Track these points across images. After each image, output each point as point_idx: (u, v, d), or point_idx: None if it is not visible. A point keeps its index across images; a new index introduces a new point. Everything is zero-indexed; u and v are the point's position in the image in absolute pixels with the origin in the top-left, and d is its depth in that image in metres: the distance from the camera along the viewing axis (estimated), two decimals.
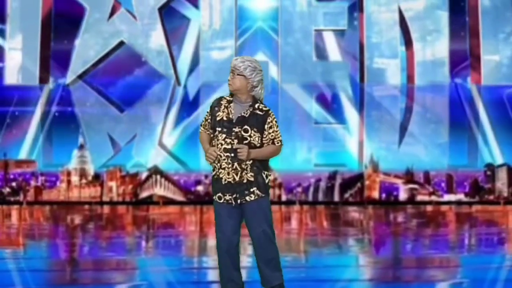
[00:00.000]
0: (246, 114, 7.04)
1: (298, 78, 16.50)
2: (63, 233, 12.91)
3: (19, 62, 16.61)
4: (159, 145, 16.58)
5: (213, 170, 7.03)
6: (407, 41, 16.66)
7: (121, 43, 16.58)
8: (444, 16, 16.65)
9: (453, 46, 16.65)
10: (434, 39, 16.67)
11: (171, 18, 16.65)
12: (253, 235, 7.07)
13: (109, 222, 14.46)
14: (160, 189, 16.54)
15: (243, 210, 7.05)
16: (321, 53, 16.66)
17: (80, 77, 16.54)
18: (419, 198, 16.53)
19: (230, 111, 7.02)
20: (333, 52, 16.73)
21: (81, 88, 16.57)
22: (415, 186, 16.54)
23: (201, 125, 7.18)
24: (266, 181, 7.02)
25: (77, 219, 14.65)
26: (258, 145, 7.01)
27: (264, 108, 7.09)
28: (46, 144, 16.55)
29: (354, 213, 15.62)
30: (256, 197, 7.00)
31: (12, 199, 16.57)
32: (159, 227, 13.81)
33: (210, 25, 16.66)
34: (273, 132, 7.07)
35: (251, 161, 7.01)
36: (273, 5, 16.73)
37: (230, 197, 6.99)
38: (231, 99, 7.08)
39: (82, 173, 16.56)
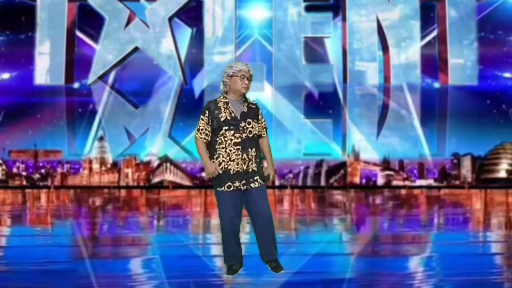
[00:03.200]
0: (245, 109, 7.10)
1: (290, 79, 16.47)
2: (85, 214, 12.89)
3: (47, 65, 16.57)
4: (168, 137, 16.56)
5: (219, 164, 7.05)
6: (384, 47, 16.63)
7: (136, 49, 16.56)
8: (416, 25, 16.63)
9: (424, 51, 16.63)
10: (407, 45, 16.64)
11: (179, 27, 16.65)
12: (257, 217, 7.12)
13: (125, 204, 14.44)
14: (170, 175, 16.53)
15: (248, 195, 7.10)
16: (309, 57, 16.63)
17: (100, 78, 16.52)
18: (395, 183, 16.53)
19: (232, 110, 7.04)
20: (320, 56, 16.71)
21: (101, 88, 16.54)
22: (391, 172, 16.53)
23: (197, 131, 7.12)
24: (262, 171, 7.18)
25: (98, 201, 14.64)
26: (257, 133, 7.13)
27: (253, 102, 7.23)
28: (71, 136, 16.54)
29: (338, 196, 15.61)
30: (259, 184, 7.11)
31: (41, 183, 16.56)
32: (168, 208, 13.79)
33: (213, 32, 16.63)
34: (264, 120, 7.25)
35: (255, 153, 7.11)
36: (267, 16, 16.70)
37: (239, 183, 7.04)
38: (226, 100, 7.09)
39: (102, 161, 16.54)
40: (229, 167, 7.01)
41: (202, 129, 7.07)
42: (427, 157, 16.53)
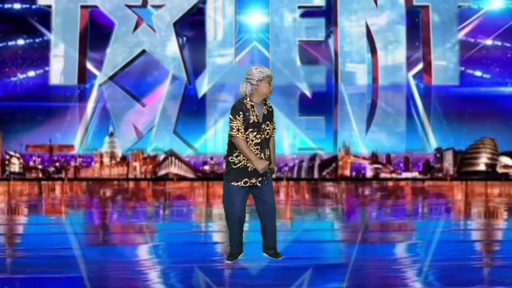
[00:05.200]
0: (265, 112, 7.05)
1: (285, 79, 16.45)
2: (96, 204, 12.89)
3: (62, 67, 16.55)
4: (173, 133, 16.55)
5: (238, 162, 7.00)
6: (373, 50, 16.62)
7: (143, 51, 16.53)
8: (402, 30, 16.61)
9: (409, 54, 16.62)
10: (394, 48, 16.62)
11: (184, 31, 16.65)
12: (265, 206, 7.11)
13: (133, 195, 14.44)
14: (175, 168, 16.51)
15: (259, 187, 7.07)
16: (303, 59, 16.61)
17: (110, 78, 16.49)
18: (382, 175, 16.52)
19: (256, 113, 6.98)
20: (313, 58, 16.69)
21: (111, 87, 16.52)
22: (379, 166, 16.53)
23: (236, 130, 6.93)
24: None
25: (108, 193, 14.63)
26: (271, 133, 7.12)
27: (270, 104, 7.19)
28: (83, 132, 16.52)
29: (330, 187, 15.61)
30: (269, 176, 7.13)
31: (56, 176, 16.55)
32: (173, 199, 13.78)
33: (214, 36, 16.61)
34: (274, 122, 7.21)
35: (268, 152, 7.09)
36: (265, 21, 16.67)
37: (255, 180, 7.01)
38: (252, 103, 7.00)
39: (112, 156, 16.53)
40: (248, 165, 6.97)
41: (239, 129, 6.90)
42: (432, 153, 16.50)
